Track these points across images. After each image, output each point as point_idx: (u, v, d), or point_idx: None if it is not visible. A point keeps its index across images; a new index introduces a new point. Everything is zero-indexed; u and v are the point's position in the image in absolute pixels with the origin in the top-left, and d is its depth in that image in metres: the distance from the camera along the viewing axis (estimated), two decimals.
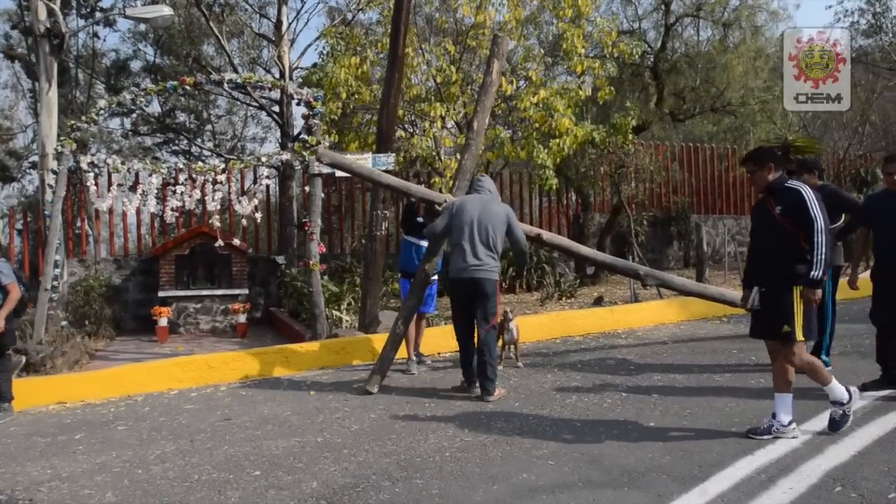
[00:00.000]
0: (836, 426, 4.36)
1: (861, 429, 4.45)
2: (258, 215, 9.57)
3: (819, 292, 4.24)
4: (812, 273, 4.18)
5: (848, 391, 4.37)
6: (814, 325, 4.38)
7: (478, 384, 5.81)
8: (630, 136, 11.75)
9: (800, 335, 4.26)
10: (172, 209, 8.64)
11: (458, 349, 7.71)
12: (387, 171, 7.91)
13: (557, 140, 10.74)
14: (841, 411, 4.37)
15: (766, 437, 4.33)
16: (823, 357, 6.01)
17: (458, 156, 9.43)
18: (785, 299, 4.27)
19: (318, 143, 8.11)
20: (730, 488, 3.63)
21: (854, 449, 4.09)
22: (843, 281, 6.40)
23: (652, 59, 14.30)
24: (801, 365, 4.34)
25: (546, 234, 7.87)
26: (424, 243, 6.87)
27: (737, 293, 8.69)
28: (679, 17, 14.68)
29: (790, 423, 4.36)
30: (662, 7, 14.49)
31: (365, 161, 8.23)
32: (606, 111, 12.91)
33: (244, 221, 9.56)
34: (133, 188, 8.80)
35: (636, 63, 13.85)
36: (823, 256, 4.15)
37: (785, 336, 4.29)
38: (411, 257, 7.02)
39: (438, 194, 7.19)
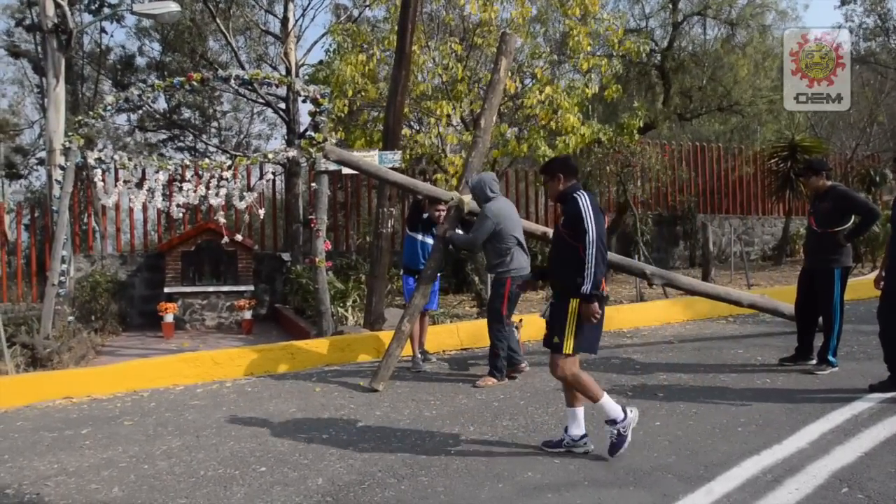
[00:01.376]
0: (613, 449, 4.08)
1: (868, 430, 4.43)
2: (261, 211, 9.54)
3: (595, 307, 4.04)
4: (583, 287, 4.01)
5: (624, 410, 4.09)
6: (590, 340, 4.16)
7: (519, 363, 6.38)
8: (636, 136, 11.72)
9: (567, 348, 4.10)
10: (178, 205, 8.67)
11: (463, 348, 7.76)
12: (393, 169, 7.91)
13: (563, 138, 10.71)
14: (616, 431, 4.07)
15: (558, 449, 4.23)
16: (830, 358, 6.00)
17: (464, 153, 9.44)
18: (561, 311, 4.15)
19: (325, 139, 8.10)
20: (736, 488, 3.63)
21: (861, 450, 4.08)
22: (851, 281, 6.37)
23: (659, 58, 14.27)
24: (567, 378, 4.15)
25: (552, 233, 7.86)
26: (430, 240, 6.89)
27: (743, 293, 8.69)
28: (687, 16, 14.64)
29: (581, 437, 4.22)
30: (670, 5, 14.45)
31: (372, 158, 8.22)
32: (614, 110, 12.90)
33: (247, 217, 9.58)
34: (139, 184, 8.81)
35: (643, 62, 13.82)
36: (593, 270, 3.98)
37: (554, 346, 4.17)
38: (416, 253, 7.03)
39: (445, 192, 7.18)
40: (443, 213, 6.84)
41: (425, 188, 7.42)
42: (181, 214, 9.14)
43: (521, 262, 6.12)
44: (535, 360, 7.01)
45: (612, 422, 4.08)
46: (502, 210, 6.15)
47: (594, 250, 3.99)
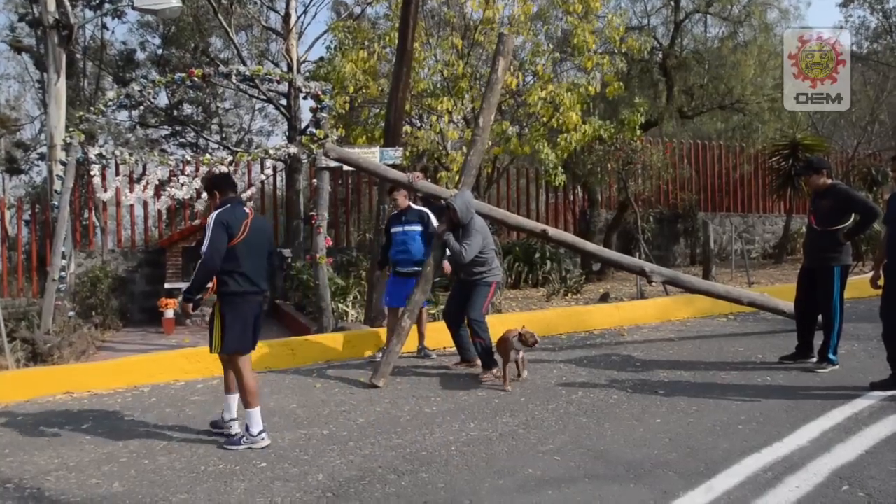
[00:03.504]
0: (229, 442, 4.55)
1: (868, 428, 4.43)
2: (250, 203, 9.42)
3: (188, 307, 4.64)
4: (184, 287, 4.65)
5: (262, 432, 4.53)
6: (241, 340, 4.63)
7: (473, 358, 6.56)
8: (638, 133, 11.71)
9: (215, 348, 4.66)
10: (171, 197, 8.61)
11: None
12: (394, 166, 7.90)
13: (564, 136, 10.71)
14: (243, 435, 4.54)
15: (237, 447, 4.49)
16: (831, 356, 6.00)
17: (465, 150, 9.42)
18: (211, 314, 4.74)
19: (326, 136, 8.10)
20: (736, 486, 3.62)
21: (861, 448, 4.08)
22: (852, 279, 6.37)
23: (661, 56, 14.24)
24: (239, 378, 4.60)
25: (552, 231, 7.85)
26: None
27: (744, 291, 8.68)
28: (689, 14, 14.60)
29: (259, 433, 4.54)
30: (672, 3, 14.41)
31: (372, 155, 8.22)
32: (615, 107, 12.87)
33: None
34: (139, 180, 8.82)
35: (645, 59, 13.79)
36: (195, 276, 4.57)
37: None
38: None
39: (444, 189, 7.17)
40: (398, 199, 7.04)
41: (425, 185, 7.41)
42: (167, 205, 9.12)
43: (499, 267, 6.61)
44: (535, 357, 7.02)
45: (247, 428, 4.55)
46: (484, 226, 6.49)
47: (201, 261, 4.54)
